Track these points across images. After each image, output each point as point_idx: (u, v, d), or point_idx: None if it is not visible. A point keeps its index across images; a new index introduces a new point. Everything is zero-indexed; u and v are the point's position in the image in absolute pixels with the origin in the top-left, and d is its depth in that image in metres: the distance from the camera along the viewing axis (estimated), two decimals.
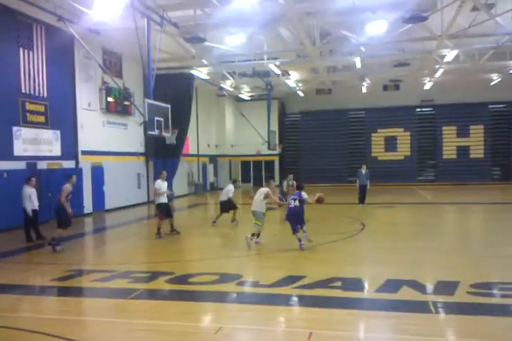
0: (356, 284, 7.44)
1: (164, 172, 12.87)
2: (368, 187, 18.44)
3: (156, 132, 14.01)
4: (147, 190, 22.65)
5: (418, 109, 33.20)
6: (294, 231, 10.18)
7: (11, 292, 7.44)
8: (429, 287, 7.23)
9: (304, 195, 10.28)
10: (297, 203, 10.20)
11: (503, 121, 31.46)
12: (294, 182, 14.95)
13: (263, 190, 11.07)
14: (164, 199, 12.57)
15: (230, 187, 14.36)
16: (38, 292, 7.71)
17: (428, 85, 28.98)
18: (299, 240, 10.11)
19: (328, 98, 31.61)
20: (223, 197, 14.18)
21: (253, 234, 10.75)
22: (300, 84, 29.09)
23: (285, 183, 18.42)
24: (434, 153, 32.92)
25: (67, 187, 10.69)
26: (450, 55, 20.58)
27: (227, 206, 14.15)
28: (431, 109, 32.96)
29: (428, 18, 14.50)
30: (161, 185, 12.54)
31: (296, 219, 10.18)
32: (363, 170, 18.65)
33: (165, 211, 12.58)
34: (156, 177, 22.50)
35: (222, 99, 31.95)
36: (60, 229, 10.65)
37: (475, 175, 31.13)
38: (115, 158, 19.66)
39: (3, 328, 5.71)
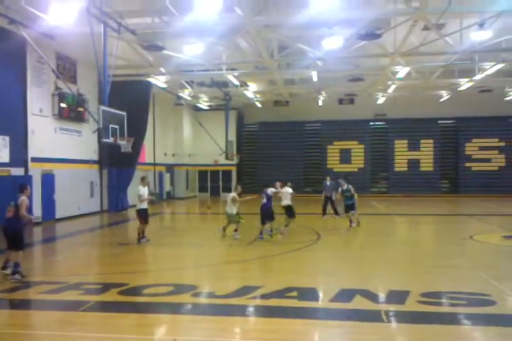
0: (311, 294, 7.50)
1: (146, 179, 13.24)
2: (334, 198, 18.41)
3: (110, 140, 13.72)
4: (100, 199, 22.07)
5: (372, 123, 34.18)
6: (262, 223, 12.95)
7: None
8: (382, 296, 7.39)
9: (269, 190, 13.30)
10: (265, 200, 13.17)
11: (452, 136, 32.90)
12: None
13: (231, 195, 13.25)
14: (145, 205, 12.88)
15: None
16: None
17: (381, 100, 29.95)
18: (260, 232, 12.67)
19: (285, 110, 32.04)
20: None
21: (236, 230, 12.95)
22: (258, 96, 29.35)
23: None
24: (387, 165, 33.93)
25: (25, 200, 8.80)
26: (402, 71, 21.38)
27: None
28: (384, 123, 34.03)
29: (382, 36, 15.01)
30: (144, 191, 12.74)
31: (264, 213, 12.96)
32: (328, 182, 18.73)
33: (145, 216, 12.89)
34: (111, 185, 22.21)
35: (180, 108, 31.74)
36: (16, 252, 8.73)
37: (425, 187, 32.29)
38: (67, 165, 19.06)
39: None
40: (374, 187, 33.71)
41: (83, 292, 7.67)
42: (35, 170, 16.99)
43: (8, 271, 8.63)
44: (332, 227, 16.23)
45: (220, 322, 6.19)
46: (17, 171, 16.12)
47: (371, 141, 33.95)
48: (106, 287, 7.99)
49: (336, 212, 18.31)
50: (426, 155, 33.23)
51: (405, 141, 33.48)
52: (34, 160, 16.99)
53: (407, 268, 9.57)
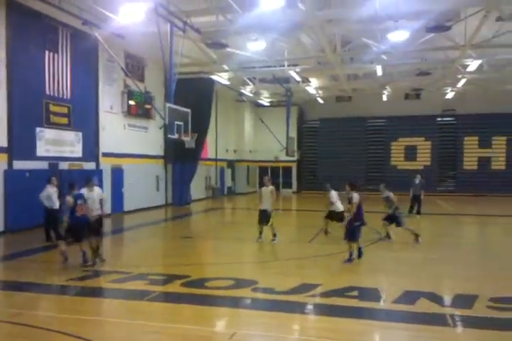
0: (373, 294, 7.36)
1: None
2: (422, 197, 17.86)
3: (175, 136, 14.13)
4: (165, 193, 22.83)
5: (439, 119, 32.83)
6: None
7: (28, 290, 7.55)
8: (447, 299, 7.12)
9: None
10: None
11: None
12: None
13: (269, 188, 12.13)
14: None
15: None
16: (55, 291, 7.79)
17: (450, 95, 28.66)
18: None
19: (347, 105, 31.49)
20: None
21: (274, 234, 12.04)
22: (320, 91, 29.04)
23: None
24: (455, 163, 32.48)
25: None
26: (473, 65, 20.34)
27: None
28: (452, 118, 32.56)
29: (451, 28, 14.37)
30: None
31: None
32: (417, 180, 18.08)
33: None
34: (175, 180, 22.90)
35: (241, 105, 32.09)
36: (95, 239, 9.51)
37: (496, 186, 30.58)
38: (135, 160, 19.88)
39: (22, 325, 5.80)
40: (441, 185, 32.37)
41: (148, 282, 7.98)
42: (106, 165, 17.87)
43: (91, 262, 9.23)
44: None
45: (279, 318, 6.22)
46: (89, 165, 17.01)
47: (439, 137, 32.61)
48: (170, 278, 8.27)
49: (419, 212, 17.75)
50: (498, 152, 31.44)
51: (476, 138, 31.85)
52: (104, 155, 17.86)
53: (475, 271, 9.14)
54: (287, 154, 27.82)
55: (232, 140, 32.33)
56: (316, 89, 28.02)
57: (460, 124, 32.22)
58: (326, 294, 7.25)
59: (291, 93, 26.80)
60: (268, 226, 12.06)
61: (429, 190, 18.37)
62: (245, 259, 10.61)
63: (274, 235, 12.02)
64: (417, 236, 12.26)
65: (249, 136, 34.39)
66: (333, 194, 12.91)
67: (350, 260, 9.54)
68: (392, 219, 12.39)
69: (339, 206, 12.68)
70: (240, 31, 15.59)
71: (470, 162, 32.08)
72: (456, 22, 14.42)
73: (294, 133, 31.83)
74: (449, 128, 32.63)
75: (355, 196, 9.72)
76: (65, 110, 15.78)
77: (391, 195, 12.51)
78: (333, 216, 12.65)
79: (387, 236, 12.58)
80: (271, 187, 12.09)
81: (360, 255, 9.81)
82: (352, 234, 9.68)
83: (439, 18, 13.82)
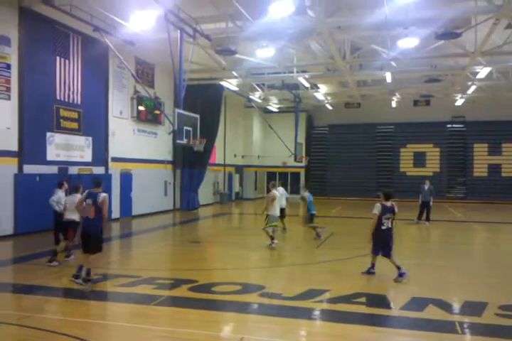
0: (381, 300, 7.32)
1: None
2: (431, 203, 17.75)
3: (184, 141, 14.21)
4: (173, 198, 22.91)
5: (449, 125, 32.71)
6: None
7: (37, 293, 7.60)
8: (456, 307, 7.06)
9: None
10: None
11: None
12: None
13: (279, 192, 12.96)
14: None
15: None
16: (64, 294, 7.84)
17: (459, 101, 28.55)
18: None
19: (356, 112, 31.49)
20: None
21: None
22: (329, 98, 29.09)
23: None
24: (465, 170, 32.29)
25: (106, 197, 8.19)
26: (483, 72, 20.27)
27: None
28: (462, 125, 32.44)
29: (461, 35, 14.35)
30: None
31: None
32: (426, 186, 17.93)
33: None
34: (183, 185, 22.99)
35: (250, 110, 32.20)
36: (94, 255, 8.32)
37: (506, 193, 30.34)
38: (144, 165, 19.99)
39: (30, 328, 5.84)
40: (450, 192, 32.18)
41: (156, 286, 8.00)
42: (115, 170, 17.99)
43: (79, 281, 7.99)
44: (406, 233, 15.64)
45: (286, 324, 6.21)
46: (98, 170, 17.14)
47: (448, 144, 32.49)
48: (177, 283, 8.28)
49: (428, 219, 17.66)
50: (508, 159, 31.23)
51: (485, 145, 31.69)
52: (114, 159, 17.99)
53: (484, 278, 9.06)
54: (295, 160, 27.84)
55: (240, 145, 32.42)
56: (325, 95, 28.07)
57: (469, 131, 32.08)
58: (333, 300, 7.22)
59: (300, 99, 26.88)
60: (263, 230, 12.28)
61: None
62: (252, 264, 10.60)
63: (272, 238, 12.05)
64: (317, 234, 13.40)
65: (258, 142, 34.47)
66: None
67: (401, 275, 8.52)
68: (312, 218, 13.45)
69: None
70: (249, 38, 15.70)
71: (480, 169, 31.88)
72: (466, 29, 14.40)
73: (302, 139, 31.87)
74: (459, 135, 32.50)
75: (375, 205, 8.88)
76: (75, 115, 15.94)
77: (305, 194, 13.68)
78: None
79: (317, 235, 13.47)
80: (270, 193, 12.46)
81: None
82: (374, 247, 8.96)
83: (449, 25, 13.81)
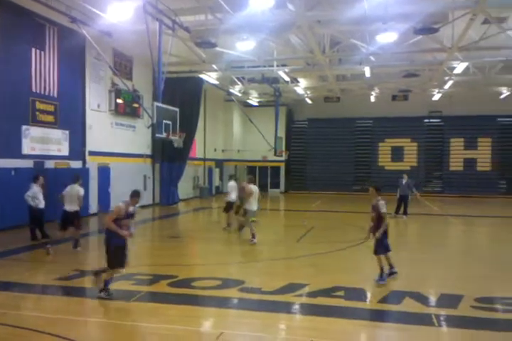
0: (359, 294, 7.41)
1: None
2: (410, 197, 17.99)
3: (163, 135, 14.07)
4: (153, 192, 22.71)
5: (426, 120, 33.17)
6: None
7: (13, 290, 7.46)
8: (433, 299, 7.19)
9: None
10: None
11: (511, 134, 31.34)
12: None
13: (256, 188, 12.37)
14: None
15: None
16: (41, 291, 7.70)
17: (437, 96, 28.94)
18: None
19: (336, 106, 31.63)
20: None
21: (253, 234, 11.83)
22: (308, 92, 29.13)
23: None
24: (441, 164, 32.84)
25: (121, 207, 7.32)
26: (460, 67, 20.56)
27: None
28: (439, 120, 32.92)
29: (439, 30, 14.50)
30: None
31: None
32: (404, 180, 18.11)
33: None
34: (163, 179, 22.78)
35: (230, 104, 32.07)
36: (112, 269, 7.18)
37: (481, 187, 30.99)
38: (122, 159, 19.74)
39: (5, 326, 5.73)
40: (427, 186, 32.71)
41: (135, 282, 7.93)
42: (92, 164, 17.72)
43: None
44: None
45: (266, 318, 6.23)
46: (75, 164, 16.86)
47: (425, 138, 32.96)
48: (156, 278, 8.23)
49: (406, 213, 17.89)
50: (483, 154, 31.87)
51: (461, 139, 32.23)
52: (91, 153, 17.72)
53: (460, 271, 9.25)
54: (275, 154, 27.88)
55: (220, 139, 32.29)
56: (305, 89, 28.10)
57: (446, 126, 32.58)
58: (313, 294, 7.28)
59: (280, 93, 26.86)
60: (247, 227, 12.19)
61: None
62: (232, 259, 10.60)
63: (253, 235, 11.87)
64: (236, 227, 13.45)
65: (238, 136, 34.38)
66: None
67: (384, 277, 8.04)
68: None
69: None
70: (229, 30, 15.56)
71: (456, 163, 32.46)
72: (443, 24, 14.54)
73: (282, 133, 31.90)
74: (436, 130, 32.98)
75: (383, 203, 8.14)
76: (51, 108, 15.62)
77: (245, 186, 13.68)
78: None
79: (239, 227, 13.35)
80: (248, 187, 12.32)
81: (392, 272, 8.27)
82: (376, 247, 8.23)
83: (427, 20, 13.92)
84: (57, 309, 6.62)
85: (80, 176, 11.36)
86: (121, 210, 7.10)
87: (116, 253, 7.04)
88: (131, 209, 7.26)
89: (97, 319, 6.27)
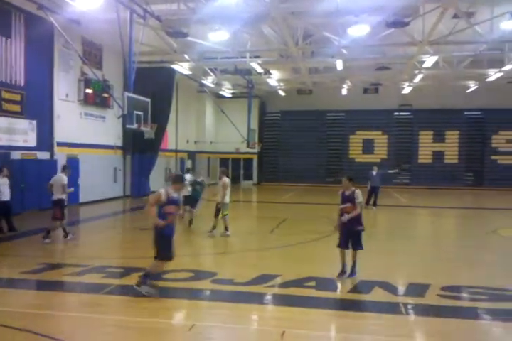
0: (330, 284, 7.51)
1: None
2: (379, 190, 18.25)
3: (134, 126, 13.86)
4: (123, 184, 22.41)
5: (396, 113, 33.68)
6: None
7: None
8: (401, 289, 7.35)
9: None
10: None
11: (478, 128, 32.19)
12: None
13: (228, 180, 12.00)
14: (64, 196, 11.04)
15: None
16: (8, 284, 7.51)
17: (407, 90, 29.42)
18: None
19: (308, 98, 31.78)
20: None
21: (226, 228, 11.72)
22: (281, 84, 29.17)
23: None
24: (410, 156, 33.47)
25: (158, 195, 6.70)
26: (429, 60, 20.93)
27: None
28: (409, 113, 33.49)
29: (410, 24, 14.69)
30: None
31: None
32: (374, 172, 18.39)
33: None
34: (134, 171, 22.49)
35: (202, 95, 31.80)
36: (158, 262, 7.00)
37: (449, 179, 31.79)
38: (92, 150, 19.36)
39: None
40: (396, 178, 33.29)
41: (105, 275, 7.83)
42: (61, 155, 17.31)
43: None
44: None
45: (238, 309, 6.25)
46: (43, 155, 16.45)
47: (395, 131, 33.51)
48: (127, 271, 8.14)
49: (375, 204, 18.15)
50: (451, 147, 32.65)
51: (430, 132, 32.95)
52: (60, 144, 17.31)
53: (427, 261, 9.48)
54: (248, 146, 27.87)
55: (192, 131, 32.02)
56: (278, 81, 28.11)
57: (416, 119, 33.19)
58: (284, 284, 7.34)
59: (253, 85, 26.81)
60: (220, 219, 11.85)
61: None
62: (204, 251, 10.59)
63: (226, 228, 11.74)
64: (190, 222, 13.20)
65: (210, 128, 34.17)
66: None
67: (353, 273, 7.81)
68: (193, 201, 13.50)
69: None
70: (201, 20, 15.38)
71: (424, 155, 33.15)
72: (414, 18, 14.74)
73: (255, 125, 31.89)
74: (406, 123, 33.56)
75: (359, 193, 7.84)
76: (17, 97, 15.14)
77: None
78: None
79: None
80: (223, 180, 11.84)
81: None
82: (360, 241, 7.87)
83: (399, 13, 14.09)
84: (24, 303, 6.48)
85: (68, 166, 11.62)
86: (161, 196, 6.55)
87: (165, 244, 6.78)
88: (174, 195, 6.68)
89: (65, 312, 6.16)
